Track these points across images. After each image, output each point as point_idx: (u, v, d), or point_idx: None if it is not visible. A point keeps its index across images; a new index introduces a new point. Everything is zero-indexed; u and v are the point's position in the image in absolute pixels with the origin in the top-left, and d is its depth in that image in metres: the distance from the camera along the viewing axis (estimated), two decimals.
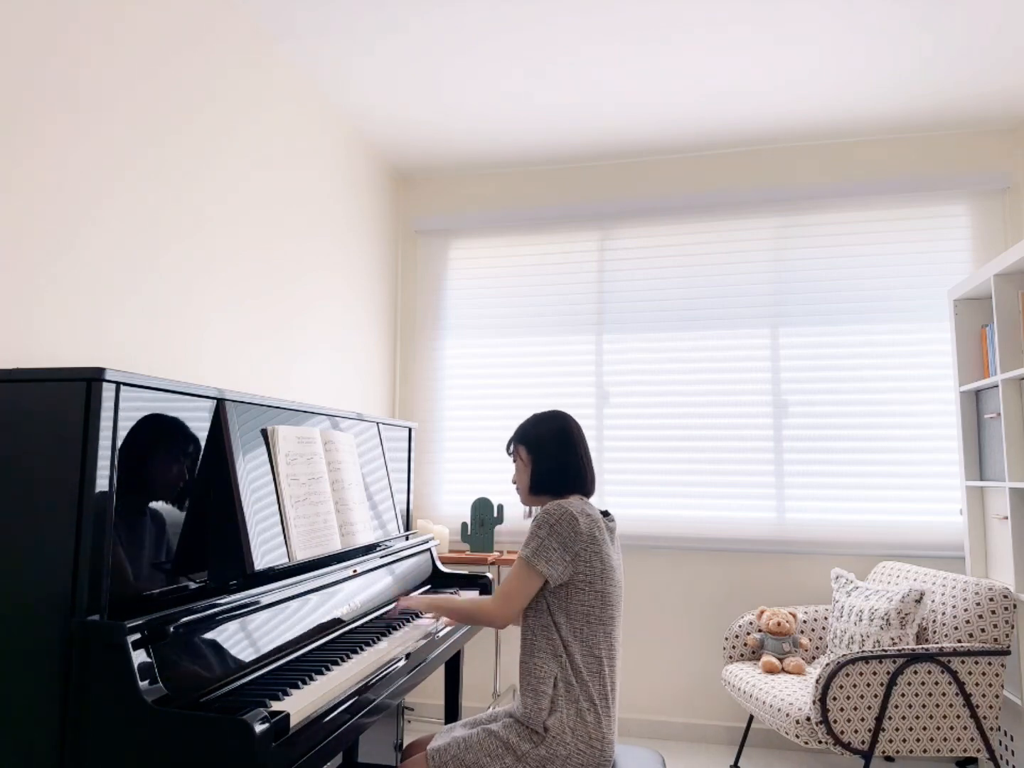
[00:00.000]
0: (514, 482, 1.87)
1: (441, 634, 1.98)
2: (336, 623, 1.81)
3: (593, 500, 3.47)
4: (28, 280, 1.63)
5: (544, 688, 1.59)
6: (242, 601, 1.47)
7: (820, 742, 2.29)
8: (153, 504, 1.40)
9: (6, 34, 1.58)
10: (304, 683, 1.44)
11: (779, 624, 2.79)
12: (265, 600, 1.54)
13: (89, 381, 1.28)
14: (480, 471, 3.62)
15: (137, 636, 1.21)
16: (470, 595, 2.45)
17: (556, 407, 3.57)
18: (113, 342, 1.87)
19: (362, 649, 1.71)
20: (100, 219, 1.84)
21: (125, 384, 1.33)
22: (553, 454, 1.79)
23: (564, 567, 1.62)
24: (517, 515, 3.52)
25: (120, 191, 1.91)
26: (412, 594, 2.30)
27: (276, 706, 1.32)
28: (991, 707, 2.30)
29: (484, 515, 3.37)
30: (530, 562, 1.61)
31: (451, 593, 2.43)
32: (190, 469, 1.51)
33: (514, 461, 1.87)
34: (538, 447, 1.80)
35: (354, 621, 1.90)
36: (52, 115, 1.69)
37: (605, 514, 1.80)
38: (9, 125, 1.59)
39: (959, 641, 2.39)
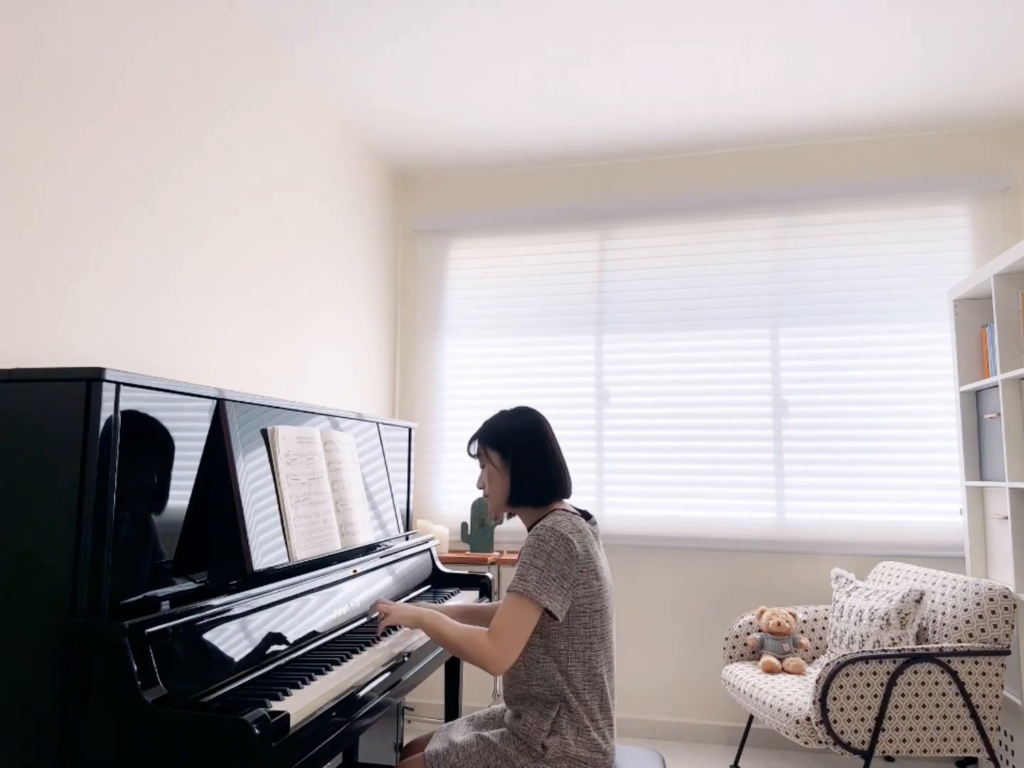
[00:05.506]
0: (481, 487, 1.69)
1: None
2: (336, 623, 1.81)
3: (591, 500, 3.47)
4: (52, 292, 1.64)
5: (548, 712, 1.54)
6: (242, 601, 1.47)
7: (820, 742, 2.29)
8: (153, 504, 1.40)
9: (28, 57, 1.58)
10: (304, 683, 1.44)
11: (779, 624, 2.79)
12: (265, 600, 1.54)
13: (89, 381, 1.28)
14: (480, 471, 3.61)
15: (137, 636, 1.21)
16: (469, 596, 2.45)
17: (556, 407, 3.58)
18: (124, 350, 1.87)
19: (362, 649, 1.71)
20: (112, 248, 1.84)
21: (125, 384, 1.33)
22: (534, 460, 1.63)
23: (564, 597, 1.51)
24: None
25: (137, 207, 1.91)
26: (402, 600, 2.28)
27: (276, 706, 1.32)
28: (991, 707, 2.30)
29: (484, 515, 3.37)
30: (534, 597, 1.47)
31: (451, 594, 2.43)
32: (190, 469, 1.51)
33: (482, 465, 1.69)
34: (515, 452, 1.64)
35: (354, 621, 1.90)
36: (84, 131, 1.70)
37: (587, 516, 1.70)
38: (37, 139, 1.60)
39: (959, 641, 2.39)
